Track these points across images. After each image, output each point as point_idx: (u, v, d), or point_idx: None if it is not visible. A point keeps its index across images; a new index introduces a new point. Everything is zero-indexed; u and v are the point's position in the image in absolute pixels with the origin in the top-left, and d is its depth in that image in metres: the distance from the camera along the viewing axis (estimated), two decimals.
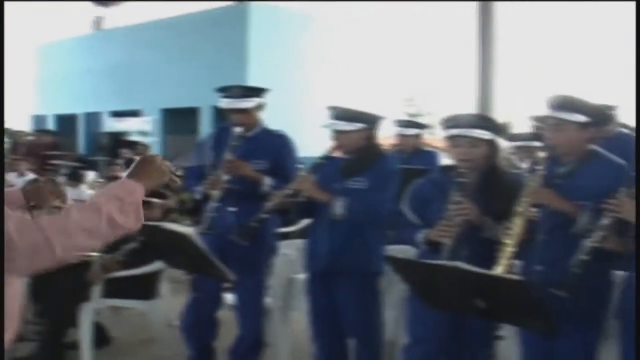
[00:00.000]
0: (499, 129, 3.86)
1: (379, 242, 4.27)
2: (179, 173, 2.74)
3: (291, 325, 5.12)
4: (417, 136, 7.15)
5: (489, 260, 3.23)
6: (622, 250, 3.26)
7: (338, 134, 4.24)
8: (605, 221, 3.15)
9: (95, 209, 2.09)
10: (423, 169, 5.15)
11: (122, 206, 2.14)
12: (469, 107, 11.24)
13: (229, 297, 5.04)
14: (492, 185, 3.65)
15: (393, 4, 18.19)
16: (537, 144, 6.21)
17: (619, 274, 3.57)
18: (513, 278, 2.80)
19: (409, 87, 20.34)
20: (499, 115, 10.69)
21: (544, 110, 3.53)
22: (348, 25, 19.83)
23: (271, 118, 5.02)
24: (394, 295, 4.47)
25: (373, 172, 4.20)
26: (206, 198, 4.74)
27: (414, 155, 6.89)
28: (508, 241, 3.27)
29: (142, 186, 2.25)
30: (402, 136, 7.13)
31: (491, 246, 3.42)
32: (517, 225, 3.30)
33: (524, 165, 5.78)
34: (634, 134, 6.74)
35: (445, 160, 5.30)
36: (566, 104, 3.45)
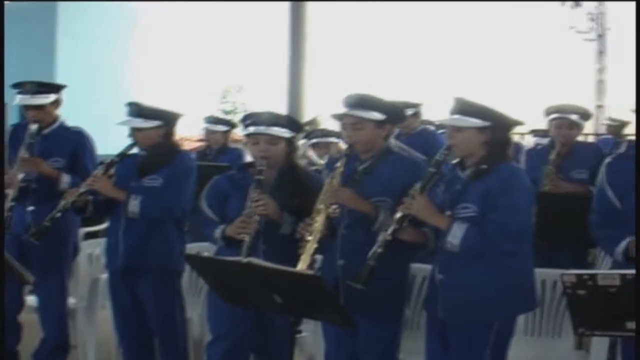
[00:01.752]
0: (298, 127, 3.98)
1: (178, 240, 4.25)
2: None
3: (97, 325, 4.99)
4: (225, 133, 7.17)
5: (288, 256, 3.30)
6: (421, 241, 3.41)
7: (135, 131, 4.20)
8: (398, 214, 3.26)
9: None
10: (229, 166, 5.20)
11: None
12: (280, 104, 11.41)
13: (31, 299, 4.88)
14: (291, 182, 3.72)
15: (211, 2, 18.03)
16: (334, 140, 6.44)
17: (421, 267, 3.76)
18: (305, 273, 2.86)
19: (226, 84, 20.32)
20: (308, 112, 10.92)
21: (341, 109, 3.61)
22: (167, 22, 19.47)
23: (81, 115, 4.88)
24: (198, 293, 4.49)
25: (169, 169, 4.17)
26: None
27: (221, 152, 6.91)
28: (309, 237, 3.35)
29: None
30: (210, 133, 7.13)
31: (290, 242, 3.49)
32: (317, 222, 3.38)
33: (322, 161, 5.97)
34: (437, 129, 7.17)
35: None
36: (363, 102, 3.54)
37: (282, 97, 11.91)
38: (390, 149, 3.70)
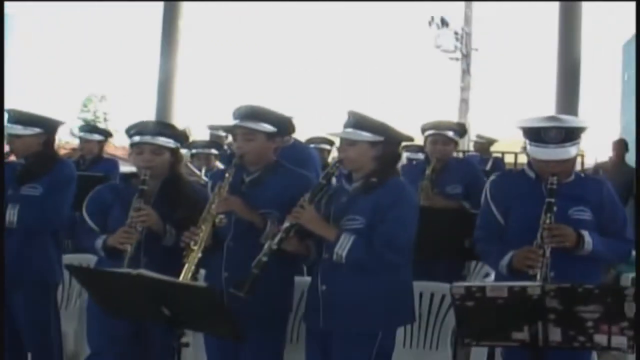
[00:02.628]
0: (182, 138, 3.89)
1: (56, 251, 4.11)
2: None
3: None
4: (99, 142, 6.93)
5: (170, 268, 3.18)
6: (303, 253, 3.41)
7: (13, 138, 4.03)
8: (285, 224, 3.25)
9: None
10: (103, 176, 5.05)
11: None
12: (149, 113, 11.19)
13: None
14: (174, 194, 3.66)
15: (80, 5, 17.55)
16: (214, 151, 6.36)
17: (300, 280, 3.75)
18: (197, 285, 2.80)
19: (87, 92, 19.84)
20: (179, 122, 10.76)
21: (230, 120, 3.58)
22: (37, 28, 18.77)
23: None
24: (72, 306, 4.31)
25: (49, 178, 4.02)
26: None
27: (95, 162, 6.68)
28: (194, 246, 3.30)
29: None
30: (85, 142, 6.88)
31: (173, 255, 3.43)
32: (203, 231, 3.33)
33: (202, 172, 5.90)
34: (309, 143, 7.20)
35: (125, 167, 5.24)
36: (254, 113, 3.53)
37: (150, 107, 11.69)
38: (279, 161, 3.67)
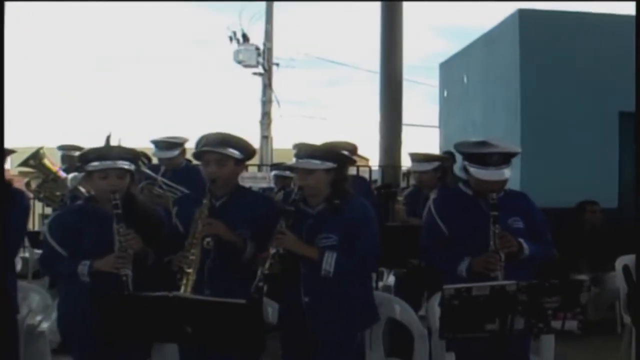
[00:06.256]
0: (140, 160, 4.06)
1: (12, 283, 4.03)
2: None
3: None
4: None
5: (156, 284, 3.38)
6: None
7: None
8: (272, 250, 3.58)
9: None
10: None
11: None
12: None
13: None
14: (135, 215, 3.79)
15: None
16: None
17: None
18: (237, 301, 3.00)
19: None
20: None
21: (201, 147, 3.81)
22: None
23: None
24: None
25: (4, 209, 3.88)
26: None
27: None
28: (189, 269, 3.53)
29: None
30: None
31: (154, 273, 3.68)
32: (194, 254, 3.57)
33: None
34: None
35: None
36: (224, 140, 3.80)
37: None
38: (241, 185, 3.99)
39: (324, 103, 47.03)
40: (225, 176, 3.80)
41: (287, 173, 7.78)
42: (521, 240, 3.78)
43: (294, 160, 3.87)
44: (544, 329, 3.37)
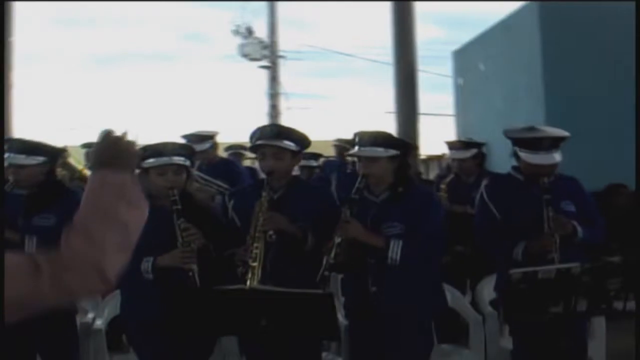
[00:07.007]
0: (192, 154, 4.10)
1: None
2: None
3: None
4: None
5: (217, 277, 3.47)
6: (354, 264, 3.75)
7: (17, 168, 4.04)
8: (337, 239, 3.58)
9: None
10: None
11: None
12: None
13: None
14: (192, 210, 3.81)
15: None
16: None
17: None
18: (317, 292, 3.07)
19: None
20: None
21: (258, 140, 3.81)
22: None
23: None
24: None
25: (60, 206, 3.97)
26: None
27: None
28: (253, 263, 3.51)
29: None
30: None
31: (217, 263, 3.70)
32: (258, 248, 3.56)
33: None
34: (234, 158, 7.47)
35: None
36: (281, 133, 3.81)
37: None
38: (297, 177, 4.00)
39: (332, 94, 46.81)
40: (283, 169, 3.80)
41: (312, 162, 7.83)
42: (575, 222, 3.84)
43: (356, 148, 3.85)
44: (607, 310, 3.43)
